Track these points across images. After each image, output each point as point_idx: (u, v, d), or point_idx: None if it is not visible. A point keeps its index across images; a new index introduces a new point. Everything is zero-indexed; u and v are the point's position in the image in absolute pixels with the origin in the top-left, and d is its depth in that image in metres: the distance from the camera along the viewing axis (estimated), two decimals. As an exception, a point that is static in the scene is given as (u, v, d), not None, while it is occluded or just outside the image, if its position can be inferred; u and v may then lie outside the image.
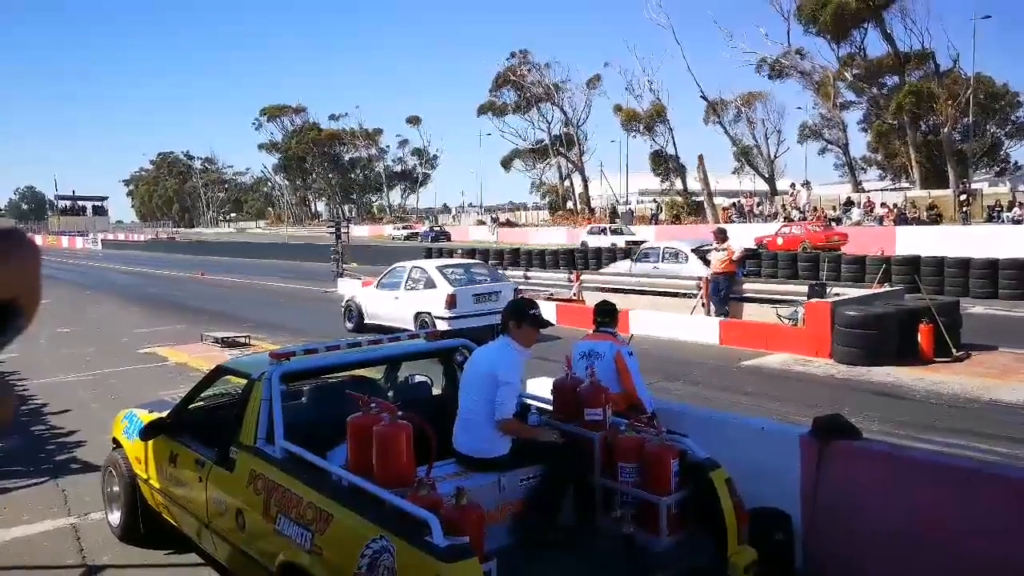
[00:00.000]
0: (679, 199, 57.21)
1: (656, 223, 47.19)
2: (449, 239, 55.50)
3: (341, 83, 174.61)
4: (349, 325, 15.51)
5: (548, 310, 15.11)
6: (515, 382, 4.27)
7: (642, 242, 26.88)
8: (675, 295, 15.97)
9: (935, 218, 35.05)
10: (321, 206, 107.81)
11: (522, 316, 4.45)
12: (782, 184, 58.17)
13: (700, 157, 47.44)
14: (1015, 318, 15.63)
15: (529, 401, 5.13)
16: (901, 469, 4.22)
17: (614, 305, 6.07)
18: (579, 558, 4.02)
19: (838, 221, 37.28)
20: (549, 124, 70.86)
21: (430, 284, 13.94)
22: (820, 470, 4.36)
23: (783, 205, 45.76)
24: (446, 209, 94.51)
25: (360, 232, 66.66)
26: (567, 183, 72.06)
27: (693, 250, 17.59)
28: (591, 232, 40.28)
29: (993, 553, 3.67)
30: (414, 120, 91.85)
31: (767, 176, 61.20)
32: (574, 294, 17.98)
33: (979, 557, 3.70)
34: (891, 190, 50.47)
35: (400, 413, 3.68)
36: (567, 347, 6.10)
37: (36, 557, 5.47)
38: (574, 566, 3.93)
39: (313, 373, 5.05)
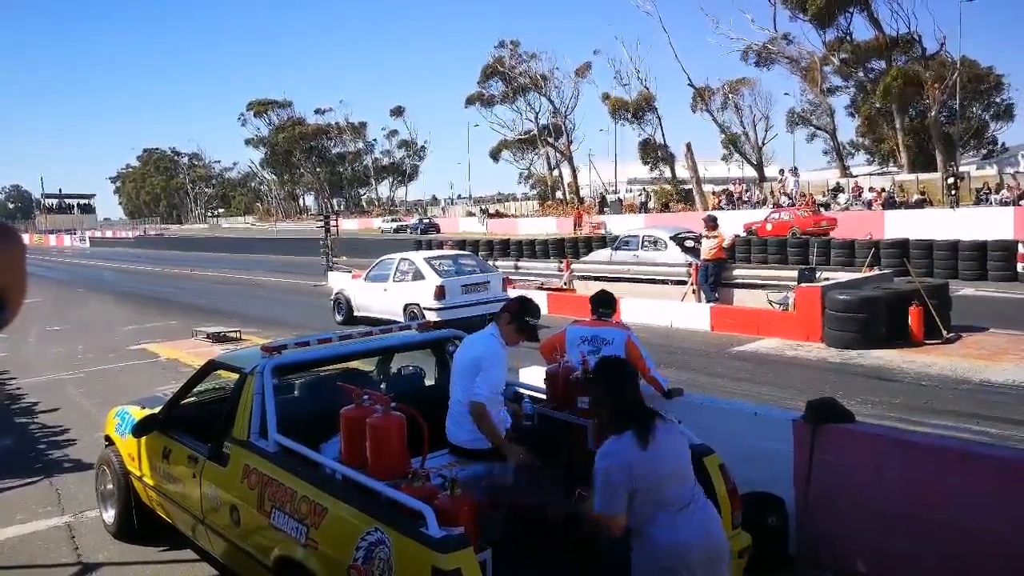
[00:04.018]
0: (668, 187, 57.22)
1: (645, 212, 47.13)
2: (439, 231, 55.42)
3: (327, 76, 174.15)
4: (338, 318, 15.49)
5: (539, 300, 15.13)
6: (494, 370, 4.26)
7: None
8: (664, 282, 16.01)
9: (920, 202, 35.18)
10: (309, 200, 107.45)
11: (513, 316, 4.42)
12: (770, 171, 58.25)
13: (688, 145, 47.44)
14: (1004, 299, 15.71)
15: (522, 390, 5.14)
16: (894, 452, 4.24)
17: (612, 295, 6.08)
18: (572, 546, 4.02)
19: (826, 206, 37.36)
20: (537, 114, 70.77)
21: (418, 276, 13.92)
22: (814, 454, 4.38)
23: (771, 191, 45.79)
24: (435, 201, 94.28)
25: (349, 225, 66.48)
26: (556, 173, 71.97)
27: (672, 237, 17.64)
28: None
29: (985, 533, 3.70)
30: (397, 111, 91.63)
31: (755, 163, 61.27)
32: (565, 283, 17.99)
33: (972, 538, 3.72)
34: (879, 174, 50.55)
35: (393, 405, 3.67)
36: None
37: (31, 556, 5.45)
38: (567, 554, 3.94)
39: (305, 366, 5.02)
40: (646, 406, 3.25)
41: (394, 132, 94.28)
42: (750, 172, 62.18)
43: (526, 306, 4.55)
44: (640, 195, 54.55)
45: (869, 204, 37.22)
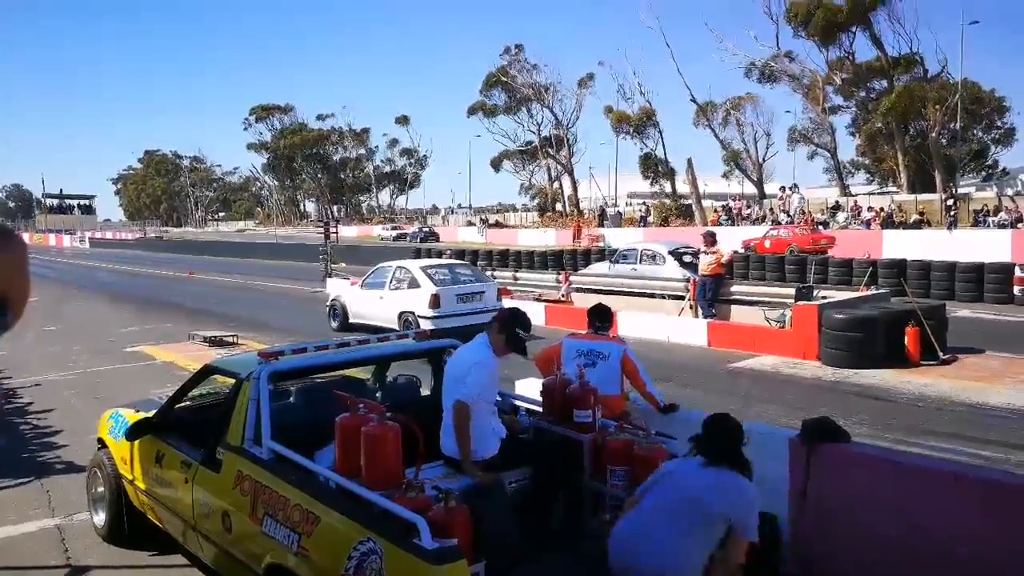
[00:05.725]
0: (668, 202, 57.30)
1: (644, 226, 47.16)
2: (438, 240, 55.47)
3: (330, 82, 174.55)
4: (334, 324, 15.48)
5: (537, 311, 15.13)
6: (483, 374, 4.27)
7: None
8: (662, 297, 16.01)
9: (919, 223, 35.30)
10: (310, 206, 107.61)
11: (503, 327, 4.43)
12: (771, 188, 58.35)
13: (689, 160, 47.62)
14: (1001, 322, 15.72)
15: (518, 403, 5.13)
16: (889, 472, 4.23)
17: (609, 308, 6.10)
18: (567, 561, 4.01)
19: (825, 224, 37.44)
20: (539, 126, 70.90)
21: (414, 284, 13.93)
22: (808, 473, 4.36)
23: (771, 208, 45.89)
24: (435, 210, 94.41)
25: (349, 232, 66.55)
26: (556, 185, 72.06)
27: (670, 252, 17.64)
28: None
29: (979, 557, 3.69)
30: (403, 120, 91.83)
31: (756, 180, 61.42)
32: (563, 295, 17.98)
33: (965, 561, 3.71)
34: (878, 194, 50.72)
35: (388, 414, 3.67)
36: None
37: (20, 558, 5.42)
38: (562, 569, 3.93)
39: (301, 373, 5.01)
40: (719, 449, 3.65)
41: (395, 141, 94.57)
42: (750, 189, 62.33)
43: (516, 317, 4.54)
44: (640, 209, 54.60)
45: (868, 223, 37.30)
